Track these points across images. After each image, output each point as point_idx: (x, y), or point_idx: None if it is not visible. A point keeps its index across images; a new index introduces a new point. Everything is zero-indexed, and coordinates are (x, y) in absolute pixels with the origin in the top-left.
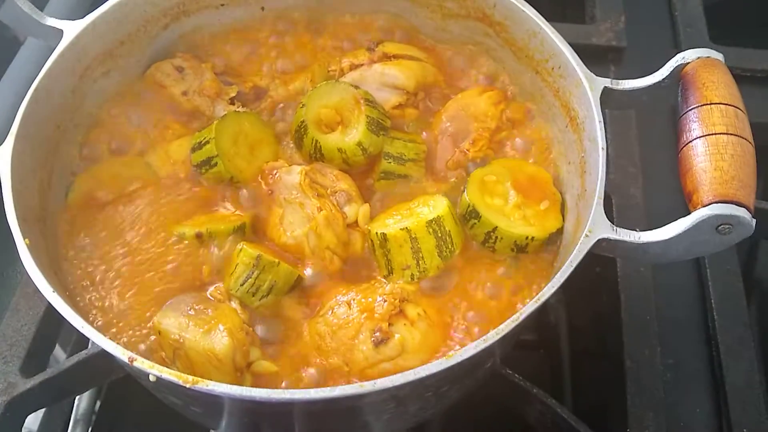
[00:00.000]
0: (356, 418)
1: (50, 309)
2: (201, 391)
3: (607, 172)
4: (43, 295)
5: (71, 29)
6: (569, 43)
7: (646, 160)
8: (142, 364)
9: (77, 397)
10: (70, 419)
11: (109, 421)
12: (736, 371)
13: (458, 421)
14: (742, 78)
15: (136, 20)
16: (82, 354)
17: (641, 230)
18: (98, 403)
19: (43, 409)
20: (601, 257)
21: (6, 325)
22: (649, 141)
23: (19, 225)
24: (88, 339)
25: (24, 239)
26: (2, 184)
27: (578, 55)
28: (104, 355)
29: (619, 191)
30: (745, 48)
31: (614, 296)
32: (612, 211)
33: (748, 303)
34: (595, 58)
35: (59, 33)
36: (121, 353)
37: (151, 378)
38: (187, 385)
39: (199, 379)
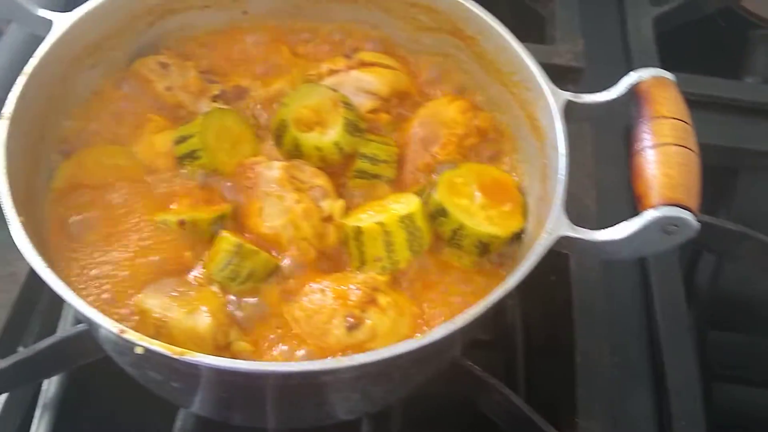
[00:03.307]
0: (325, 396)
1: (24, 293)
2: (187, 363)
3: None
4: (17, 279)
5: (61, 20)
6: None
7: (600, 173)
8: (132, 335)
9: (45, 383)
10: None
11: (75, 407)
12: (677, 370)
13: (419, 409)
14: (689, 102)
15: (124, 15)
16: (56, 336)
17: None
18: (64, 389)
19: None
20: (556, 267)
21: None
22: (603, 156)
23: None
24: (56, 325)
25: (19, 217)
26: None
27: None
28: (77, 338)
29: (573, 201)
30: (692, 74)
31: (567, 298)
32: None
33: (688, 309)
34: (555, 77)
35: (49, 23)
36: (111, 325)
37: (138, 350)
38: (175, 356)
39: (186, 350)
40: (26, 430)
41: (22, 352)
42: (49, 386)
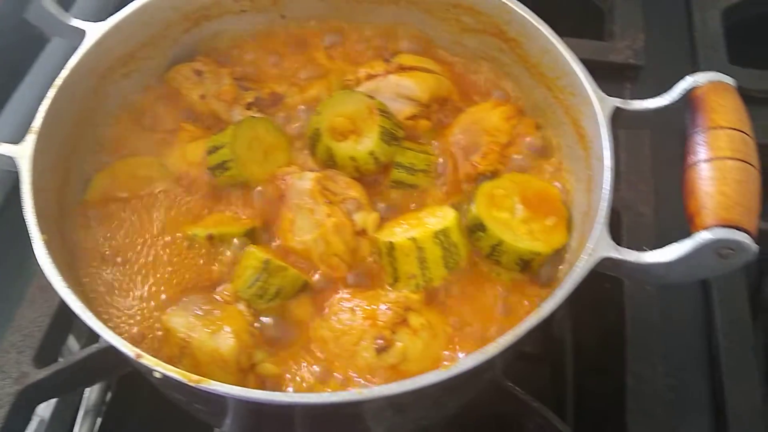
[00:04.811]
0: (356, 423)
1: (65, 302)
2: (204, 390)
3: (618, 189)
4: None
5: (94, 30)
6: (586, 59)
7: (658, 178)
8: (148, 360)
9: (87, 389)
10: (79, 409)
11: (118, 413)
12: (739, 395)
13: (459, 430)
14: (760, 100)
15: (159, 23)
16: (94, 347)
17: (651, 249)
18: (108, 395)
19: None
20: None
21: (21, 316)
22: (662, 160)
23: (37, 221)
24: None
25: (42, 235)
26: (22, 181)
27: (595, 72)
28: (114, 348)
29: (629, 209)
30: (762, 71)
31: (619, 314)
32: (621, 229)
33: (754, 327)
34: (611, 75)
35: (82, 33)
36: (128, 349)
37: (156, 375)
38: (191, 384)
39: (203, 378)
40: None
41: (61, 362)
42: (91, 393)
